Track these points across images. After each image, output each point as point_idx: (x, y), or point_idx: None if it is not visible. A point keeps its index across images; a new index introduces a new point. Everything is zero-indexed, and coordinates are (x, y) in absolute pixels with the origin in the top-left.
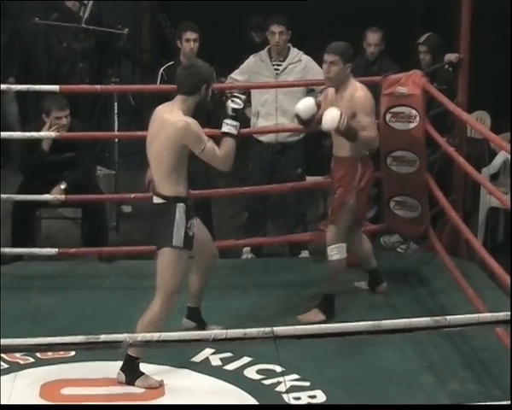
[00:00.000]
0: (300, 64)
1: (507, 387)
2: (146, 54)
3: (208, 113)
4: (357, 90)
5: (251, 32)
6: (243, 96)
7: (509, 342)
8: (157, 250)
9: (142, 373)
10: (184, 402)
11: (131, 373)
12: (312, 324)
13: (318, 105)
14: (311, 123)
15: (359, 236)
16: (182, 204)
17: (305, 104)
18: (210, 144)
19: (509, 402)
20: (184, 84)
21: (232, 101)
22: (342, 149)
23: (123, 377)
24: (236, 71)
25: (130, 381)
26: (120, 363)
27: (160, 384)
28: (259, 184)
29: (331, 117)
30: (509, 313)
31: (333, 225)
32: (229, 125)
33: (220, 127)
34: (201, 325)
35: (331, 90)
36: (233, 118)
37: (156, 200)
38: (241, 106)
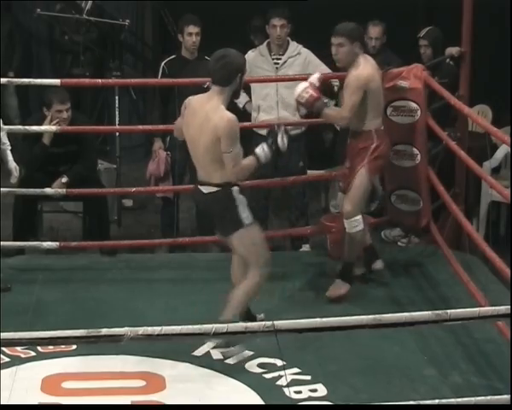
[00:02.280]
0: (300, 57)
1: (509, 380)
2: (147, 48)
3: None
4: (357, 68)
5: (250, 36)
6: (287, 139)
7: (510, 335)
8: (227, 237)
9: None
10: (185, 396)
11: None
12: (341, 296)
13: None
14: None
15: None
16: (236, 187)
17: (301, 87)
18: (239, 151)
19: (509, 396)
20: (219, 75)
21: (281, 137)
22: (357, 123)
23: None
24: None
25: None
26: (121, 357)
27: None
28: (262, 177)
29: (298, 88)
30: (510, 306)
31: (349, 198)
32: (264, 152)
33: None
34: (250, 318)
35: None
36: (270, 149)
37: (208, 189)
38: (284, 148)
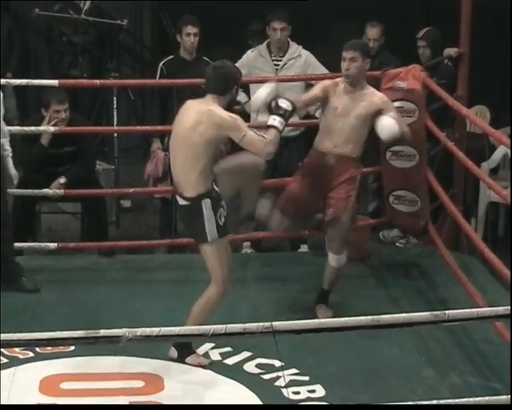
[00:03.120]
0: (300, 59)
1: (508, 380)
2: (145, 48)
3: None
4: (374, 92)
5: (247, 40)
6: (292, 101)
7: (509, 336)
8: (197, 245)
9: (194, 351)
10: (183, 397)
11: (184, 350)
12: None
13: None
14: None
15: None
16: (207, 200)
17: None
18: (250, 131)
19: (509, 397)
20: (216, 85)
21: (283, 101)
22: (346, 148)
23: (175, 353)
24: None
25: (182, 357)
26: (120, 358)
27: (210, 363)
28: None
29: (393, 128)
30: (509, 307)
31: (336, 230)
32: (276, 121)
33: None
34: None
35: (340, 85)
36: (281, 116)
37: (181, 202)
38: (290, 108)
